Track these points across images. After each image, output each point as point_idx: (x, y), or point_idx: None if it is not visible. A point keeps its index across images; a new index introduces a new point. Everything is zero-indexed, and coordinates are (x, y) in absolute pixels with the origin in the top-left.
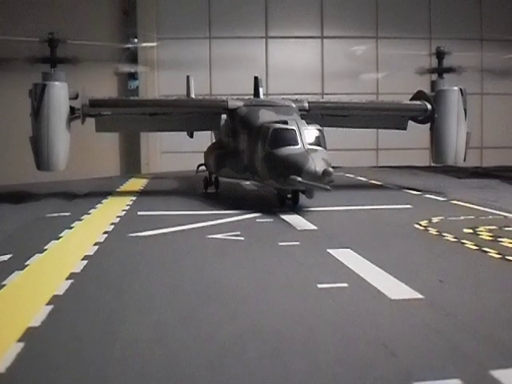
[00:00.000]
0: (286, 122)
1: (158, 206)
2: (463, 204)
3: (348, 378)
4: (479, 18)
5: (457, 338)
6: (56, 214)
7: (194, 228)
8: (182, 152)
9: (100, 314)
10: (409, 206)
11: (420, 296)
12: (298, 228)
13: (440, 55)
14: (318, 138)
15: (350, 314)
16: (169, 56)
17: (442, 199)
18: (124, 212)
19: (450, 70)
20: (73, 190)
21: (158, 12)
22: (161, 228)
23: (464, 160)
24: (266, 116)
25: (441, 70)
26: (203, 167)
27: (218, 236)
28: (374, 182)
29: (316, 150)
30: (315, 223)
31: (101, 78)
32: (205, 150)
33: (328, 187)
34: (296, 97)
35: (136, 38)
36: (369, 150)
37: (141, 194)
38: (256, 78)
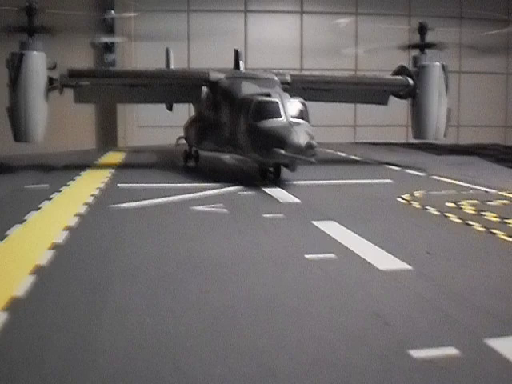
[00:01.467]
0: (268, 95)
1: (138, 179)
2: (444, 179)
3: (342, 346)
4: None
5: (448, 307)
6: (34, 186)
7: (176, 200)
8: (159, 126)
9: (86, 283)
10: (390, 180)
11: (408, 267)
12: (281, 201)
13: (422, 30)
14: (301, 111)
15: (339, 284)
16: (147, 29)
17: (423, 174)
18: (103, 184)
19: (431, 45)
20: (50, 162)
21: None
22: (142, 200)
23: (444, 136)
24: (248, 88)
25: (423, 46)
26: (183, 140)
27: (201, 208)
28: (353, 157)
29: (299, 123)
30: (298, 196)
31: (77, 51)
32: (183, 124)
33: (313, 160)
34: (277, 70)
35: (113, 9)
36: (347, 127)
37: (120, 166)
38: (236, 52)
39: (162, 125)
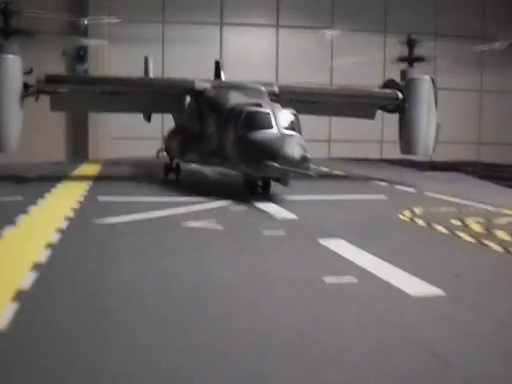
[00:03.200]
0: (259, 105)
1: (119, 192)
2: (438, 196)
3: None
4: (433, 13)
5: (502, 338)
6: (7, 198)
7: (165, 215)
8: (132, 138)
9: (82, 313)
10: (383, 196)
11: (441, 292)
12: (277, 217)
13: (411, 43)
14: (293, 122)
15: (374, 313)
16: (120, 38)
17: (414, 191)
18: (82, 197)
19: (420, 59)
20: (21, 173)
21: None
22: (128, 214)
23: (433, 151)
24: (236, 98)
25: (411, 59)
26: (163, 152)
27: (194, 224)
28: (338, 172)
29: (292, 135)
30: (294, 212)
31: (48, 58)
32: (157, 135)
33: (311, 173)
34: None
35: (86, 16)
36: (321, 142)
37: (97, 178)
38: (217, 63)
39: (135, 137)
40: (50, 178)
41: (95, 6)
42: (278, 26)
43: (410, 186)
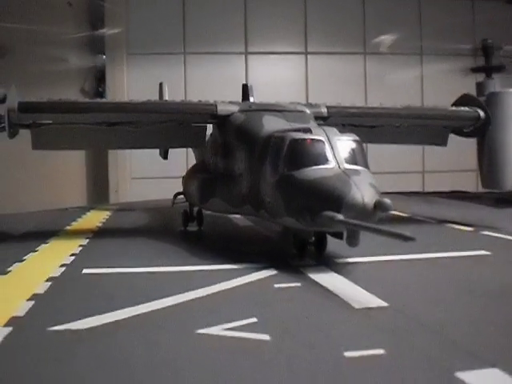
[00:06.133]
0: (308, 130)
1: (117, 257)
2: None
3: None
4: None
5: None
6: None
7: (171, 308)
8: (154, 178)
9: None
10: (484, 252)
11: None
12: (355, 305)
13: (487, 50)
14: (357, 153)
15: None
16: (140, 73)
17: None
18: (63, 268)
19: (500, 68)
20: (10, 227)
21: (129, 27)
22: (112, 310)
23: None
24: (273, 124)
25: (489, 69)
26: (182, 196)
27: (218, 331)
28: (397, 213)
29: (358, 172)
30: (374, 290)
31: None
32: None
33: (409, 235)
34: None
35: (104, 54)
36: None
37: (96, 234)
38: (245, 86)
39: (157, 176)
40: (39, 235)
41: (113, 42)
42: (306, 53)
43: (499, 230)
